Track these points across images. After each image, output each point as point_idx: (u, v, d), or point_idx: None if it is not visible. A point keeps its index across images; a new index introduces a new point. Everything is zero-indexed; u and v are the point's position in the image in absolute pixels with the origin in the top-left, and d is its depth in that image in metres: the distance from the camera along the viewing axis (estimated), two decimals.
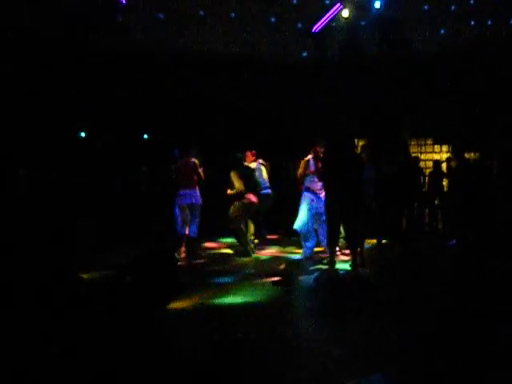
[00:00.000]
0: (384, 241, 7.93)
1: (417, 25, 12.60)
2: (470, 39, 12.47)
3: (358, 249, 6.13)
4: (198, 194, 7.00)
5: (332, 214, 6.07)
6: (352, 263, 5.98)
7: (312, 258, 6.88)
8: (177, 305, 4.40)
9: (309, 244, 6.91)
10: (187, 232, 6.93)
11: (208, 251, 7.95)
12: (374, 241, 7.90)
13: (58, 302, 4.44)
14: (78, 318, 4.09)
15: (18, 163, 10.79)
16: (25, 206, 8.55)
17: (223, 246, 8.47)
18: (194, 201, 6.89)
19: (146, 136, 13.32)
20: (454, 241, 7.74)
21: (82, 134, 13.01)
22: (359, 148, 7.94)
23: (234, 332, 3.76)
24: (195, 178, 6.97)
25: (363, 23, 12.48)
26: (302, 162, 6.91)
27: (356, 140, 15.27)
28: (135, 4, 12.08)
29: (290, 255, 7.37)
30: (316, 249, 7.11)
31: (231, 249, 8.00)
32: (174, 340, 3.70)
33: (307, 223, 6.83)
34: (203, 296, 4.85)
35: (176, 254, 6.79)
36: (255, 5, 12.54)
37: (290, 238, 8.29)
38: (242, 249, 7.37)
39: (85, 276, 5.49)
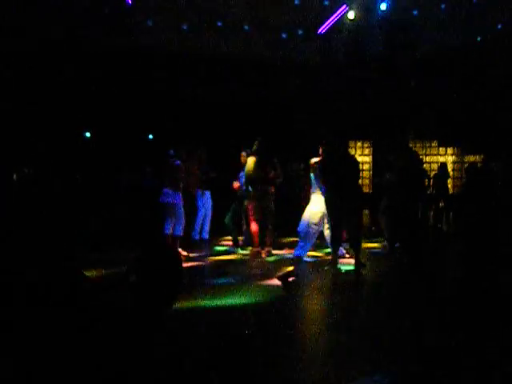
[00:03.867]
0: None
1: (422, 26, 12.59)
2: (476, 41, 12.45)
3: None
4: (175, 193, 7.11)
5: (334, 214, 6.17)
6: (355, 262, 6.05)
7: (302, 260, 6.83)
8: (181, 304, 4.39)
9: (304, 245, 6.85)
10: (170, 232, 7.08)
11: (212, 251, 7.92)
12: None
13: (61, 299, 4.44)
14: (81, 315, 4.09)
15: (23, 162, 10.84)
16: (28, 205, 8.58)
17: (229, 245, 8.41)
18: (170, 200, 7.06)
19: (151, 136, 13.37)
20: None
21: (88, 135, 13.07)
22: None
23: (240, 330, 3.76)
24: (177, 178, 7.14)
25: (369, 25, 12.48)
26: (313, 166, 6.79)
27: (361, 142, 15.34)
28: (141, 5, 12.13)
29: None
30: (312, 253, 7.09)
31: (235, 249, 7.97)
32: (180, 339, 3.70)
33: (309, 225, 6.78)
34: (207, 296, 4.84)
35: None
36: (262, 7, 12.56)
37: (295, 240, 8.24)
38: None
39: (88, 274, 5.50)
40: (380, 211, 7.87)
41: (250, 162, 7.30)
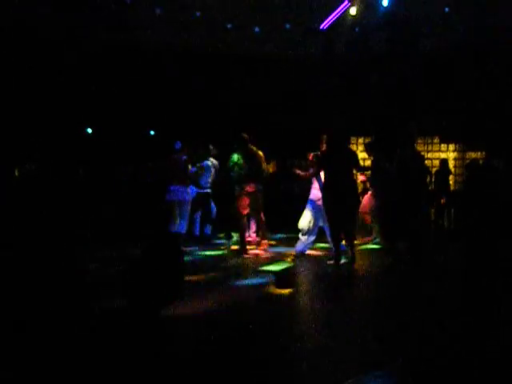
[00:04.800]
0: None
1: (424, 22, 12.54)
2: (479, 37, 12.38)
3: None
4: (188, 190, 7.09)
5: (331, 213, 6.19)
6: (351, 257, 6.19)
7: (304, 255, 6.84)
8: (178, 302, 4.39)
9: (305, 241, 6.87)
10: (177, 229, 7.06)
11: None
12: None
13: (62, 293, 4.46)
14: (83, 311, 4.11)
15: (24, 158, 10.85)
16: (31, 200, 8.60)
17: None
18: (180, 197, 7.03)
19: (152, 132, 13.37)
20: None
21: (89, 131, 13.06)
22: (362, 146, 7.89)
23: (239, 327, 3.77)
24: (186, 173, 7.12)
25: (371, 21, 12.43)
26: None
27: (363, 138, 15.30)
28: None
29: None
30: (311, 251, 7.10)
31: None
32: (182, 334, 3.71)
33: (309, 220, 6.81)
34: (205, 293, 4.84)
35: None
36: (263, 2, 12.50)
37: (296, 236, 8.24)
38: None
39: (90, 268, 5.53)
40: (374, 211, 7.75)
41: (235, 158, 7.13)
